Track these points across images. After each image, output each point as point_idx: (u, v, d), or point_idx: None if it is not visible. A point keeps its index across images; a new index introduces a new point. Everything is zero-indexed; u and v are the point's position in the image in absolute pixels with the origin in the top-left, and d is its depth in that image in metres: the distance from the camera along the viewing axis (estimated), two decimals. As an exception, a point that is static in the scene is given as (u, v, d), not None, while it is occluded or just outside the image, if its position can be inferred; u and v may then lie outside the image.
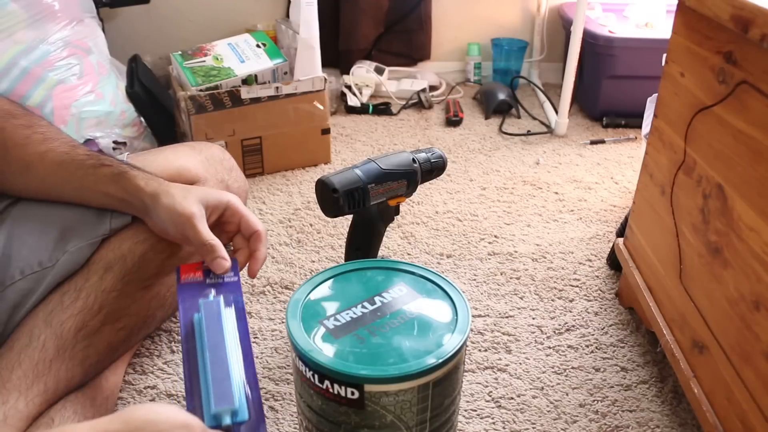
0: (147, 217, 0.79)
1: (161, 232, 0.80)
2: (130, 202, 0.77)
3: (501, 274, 1.17)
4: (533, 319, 1.06)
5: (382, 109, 1.90)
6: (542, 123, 1.85)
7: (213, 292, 0.69)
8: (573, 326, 1.04)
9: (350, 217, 0.94)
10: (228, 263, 0.72)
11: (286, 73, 1.52)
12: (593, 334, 1.02)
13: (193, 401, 0.58)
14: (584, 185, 1.50)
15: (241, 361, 0.61)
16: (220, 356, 0.60)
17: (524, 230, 1.32)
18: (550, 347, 1.00)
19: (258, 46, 1.54)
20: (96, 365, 0.81)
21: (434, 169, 0.96)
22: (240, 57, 1.50)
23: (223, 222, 0.79)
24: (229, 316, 0.66)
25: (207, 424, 0.54)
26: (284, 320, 1.04)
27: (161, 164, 0.92)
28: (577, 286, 1.14)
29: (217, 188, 0.96)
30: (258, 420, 0.57)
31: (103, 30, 1.58)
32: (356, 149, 1.68)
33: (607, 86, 1.79)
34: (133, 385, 0.91)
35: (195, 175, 0.93)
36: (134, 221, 0.83)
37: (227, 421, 0.55)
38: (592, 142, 1.73)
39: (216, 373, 0.58)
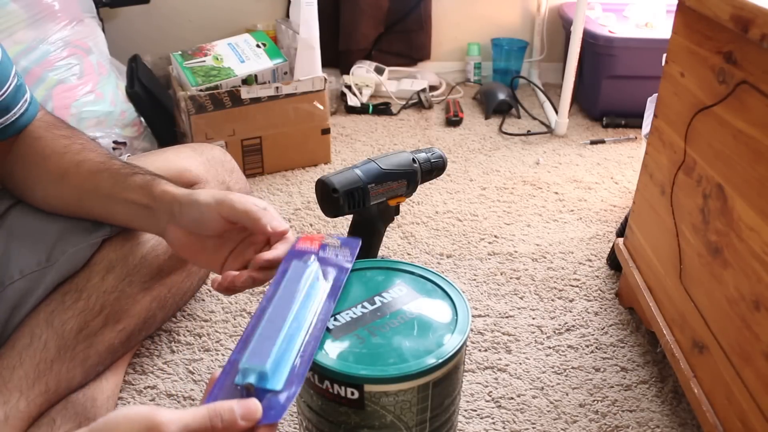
0: (171, 223, 0.70)
1: (186, 237, 0.70)
2: (154, 209, 0.72)
3: (501, 274, 1.17)
4: (533, 319, 1.06)
5: (382, 109, 1.90)
6: (542, 123, 1.85)
7: (314, 260, 0.64)
8: (573, 326, 1.04)
9: (350, 217, 0.94)
10: (284, 224, 0.66)
11: (286, 73, 1.52)
12: (593, 334, 1.03)
13: (239, 354, 0.54)
14: (584, 185, 1.50)
15: (306, 333, 0.57)
16: (281, 315, 0.56)
17: (524, 230, 1.32)
18: (550, 347, 1.00)
19: (258, 46, 1.54)
20: (96, 366, 0.81)
21: (434, 169, 0.96)
22: (240, 57, 1.51)
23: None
24: (317, 287, 0.61)
25: (236, 380, 0.51)
26: (284, 320, 1.04)
27: (162, 165, 0.92)
28: (577, 286, 1.14)
29: (218, 189, 0.95)
30: (289, 393, 0.51)
31: (103, 30, 1.58)
32: (356, 149, 1.68)
33: (607, 86, 1.79)
34: (133, 385, 0.91)
35: (196, 177, 0.93)
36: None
37: (251, 379, 0.51)
38: (592, 142, 1.73)
39: (266, 329, 0.55)
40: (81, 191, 0.76)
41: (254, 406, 0.48)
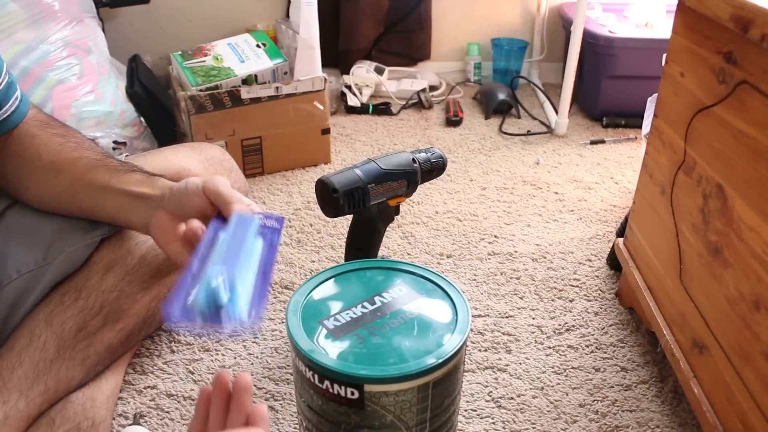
0: (159, 210, 0.71)
1: (167, 221, 0.70)
2: (149, 197, 0.72)
3: (501, 274, 1.17)
4: (533, 319, 1.06)
5: (382, 109, 1.90)
6: (542, 123, 1.85)
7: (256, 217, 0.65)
8: (573, 326, 1.04)
9: (350, 217, 0.94)
10: (253, 206, 0.67)
11: (286, 73, 1.52)
12: (593, 334, 1.02)
13: (197, 268, 0.56)
14: (584, 185, 1.50)
15: (255, 270, 0.58)
16: (236, 250, 0.57)
17: (524, 230, 1.32)
18: (550, 347, 1.00)
19: (258, 46, 1.54)
20: (96, 365, 0.81)
21: (434, 169, 0.96)
22: (240, 57, 1.51)
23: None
24: (258, 241, 0.62)
25: (203, 279, 0.53)
26: (284, 320, 1.04)
27: (161, 165, 0.92)
28: (577, 286, 1.14)
29: None
30: (254, 298, 0.54)
31: (103, 30, 1.58)
32: (356, 149, 1.68)
33: (607, 86, 1.79)
34: (133, 385, 0.91)
35: (195, 175, 0.93)
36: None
37: (218, 280, 0.53)
38: (592, 142, 1.73)
39: (227, 256, 0.56)
40: (75, 186, 0.76)
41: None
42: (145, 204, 0.72)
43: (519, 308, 1.08)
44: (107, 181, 0.74)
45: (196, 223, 0.63)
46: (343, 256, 1.03)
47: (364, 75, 1.98)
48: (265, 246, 0.62)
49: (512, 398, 0.90)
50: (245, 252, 0.58)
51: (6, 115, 0.76)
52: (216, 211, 0.66)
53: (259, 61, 1.50)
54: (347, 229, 0.96)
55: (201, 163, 0.96)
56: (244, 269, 0.56)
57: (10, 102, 0.76)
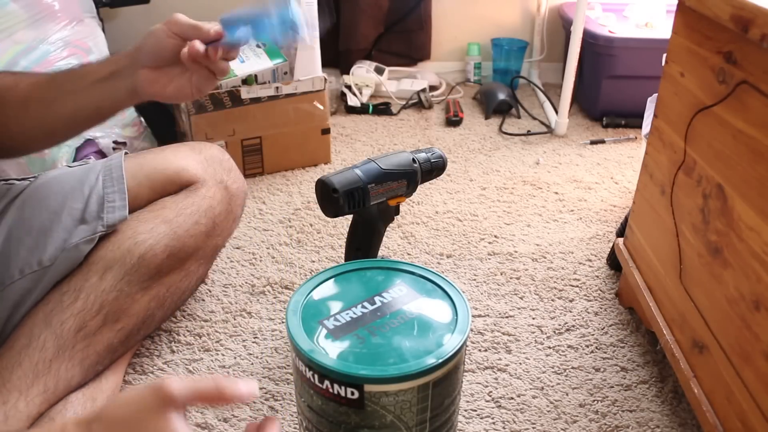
0: (138, 71, 0.74)
1: (152, 74, 0.74)
2: (119, 71, 0.74)
3: (501, 274, 1.17)
4: (533, 319, 1.06)
5: (382, 109, 1.90)
6: (542, 123, 1.85)
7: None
8: (573, 326, 1.04)
9: (350, 217, 0.94)
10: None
11: (286, 73, 1.52)
12: (593, 334, 1.02)
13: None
14: (584, 185, 1.50)
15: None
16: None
17: (524, 230, 1.32)
18: (550, 347, 1.00)
19: (258, 46, 1.54)
20: (95, 365, 0.81)
21: (434, 169, 0.96)
22: (240, 57, 1.50)
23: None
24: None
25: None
26: (284, 320, 1.04)
27: (161, 164, 0.92)
28: (577, 286, 1.14)
29: (216, 188, 0.95)
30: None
31: (103, 30, 1.58)
32: (356, 149, 1.68)
33: (607, 86, 1.79)
34: (133, 385, 0.91)
35: (194, 175, 0.93)
36: (130, 217, 0.83)
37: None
38: (592, 142, 1.73)
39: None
40: (46, 102, 0.76)
41: (252, 388, 0.50)
42: (120, 78, 0.74)
43: (519, 308, 1.08)
44: (73, 83, 0.76)
45: (196, 44, 0.70)
46: (343, 256, 1.03)
47: (364, 75, 1.98)
48: None
49: (512, 398, 0.90)
50: None
51: None
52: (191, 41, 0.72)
53: (259, 61, 1.50)
54: (347, 229, 0.96)
55: (200, 162, 0.96)
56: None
57: None
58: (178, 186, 0.92)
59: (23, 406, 0.72)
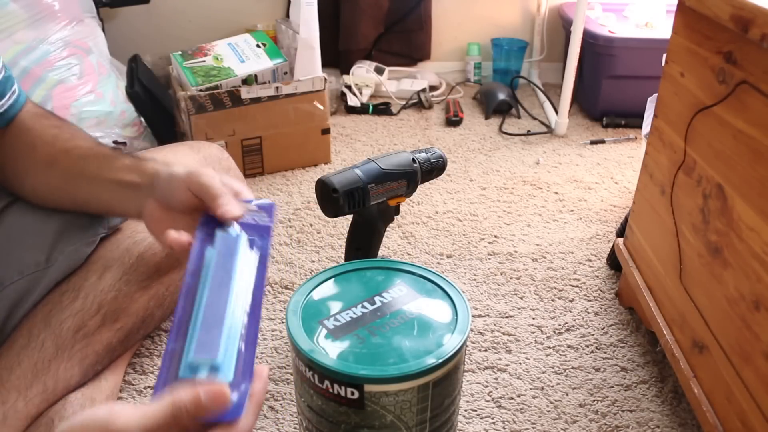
0: (149, 199, 0.69)
1: (159, 212, 0.68)
2: (140, 186, 0.70)
3: (501, 274, 1.17)
4: (533, 319, 1.06)
5: (382, 109, 1.90)
6: (542, 123, 1.85)
7: (237, 228, 0.59)
8: (573, 326, 1.04)
9: (350, 217, 0.94)
10: (238, 210, 0.61)
11: (286, 73, 1.52)
12: (593, 334, 1.02)
13: (176, 343, 0.49)
14: (584, 185, 1.50)
15: (246, 311, 0.52)
16: (220, 299, 0.50)
17: (524, 230, 1.32)
18: (550, 347, 1.00)
19: (258, 46, 1.54)
20: (94, 365, 0.81)
21: (434, 169, 0.96)
22: (240, 57, 1.51)
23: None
24: (247, 259, 0.56)
25: (181, 374, 0.46)
26: (284, 320, 1.04)
27: None
28: (577, 286, 1.14)
29: None
30: (241, 379, 0.47)
31: (103, 30, 1.58)
32: (356, 149, 1.68)
33: (607, 86, 1.79)
34: (133, 384, 0.91)
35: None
36: (131, 220, 0.83)
37: (203, 374, 0.46)
38: (592, 142, 1.73)
39: (208, 317, 0.49)
40: (68, 176, 0.76)
41: (222, 389, 0.43)
42: (135, 193, 0.71)
43: (519, 308, 1.08)
44: (98, 170, 0.74)
45: (184, 237, 0.59)
46: (343, 256, 1.03)
47: (364, 75, 1.98)
48: (256, 268, 0.56)
49: (512, 398, 0.90)
50: (230, 302, 0.51)
51: (3, 109, 0.76)
52: (203, 206, 0.63)
53: (259, 61, 1.50)
54: (347, 229, 0.96)
55: (199, 162, 0.96)
56: (226, 340, 0.49)
57: (7, 96, 0.76)
58: None
59: (22, 405, 0.72)
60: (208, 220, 0.60)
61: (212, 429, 0.43)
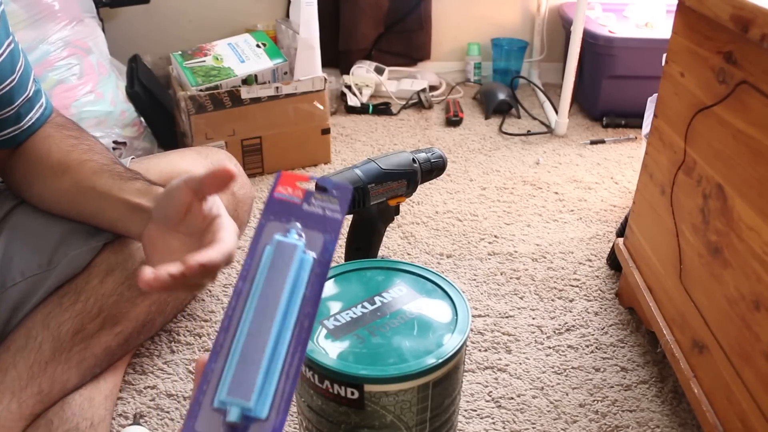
0: (150, 223, 0.70)
1: (156, 232, 0.68)
2: (145, 209, 0.70)
3: (501, 274, 1.17)
4: (533, 319, 1.06)
5: (382, 109, 1.90)
6: (542, 123, 1.85)
7: (297, 229, 0.51)
8: (573, 326, 1.04)
9: (350, 217, 0.94)
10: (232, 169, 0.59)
11: (286, 73, 1.52)
12: (593, 334, 1.02)
13: (216, 363, 0.46)
14: (584, 185, 1.50)
15: (290, 339, 0.47)
16: (263, 327, 0.46)
17: (524, 230, 1.32)
18: (550, 347, 1.00)
19: (258, 46, 1.54)
20: (93, 368, 0.81)
21: (434, 169, 0.96)
22: (240, 57, 1.51)
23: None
24: (303, 271, 0.49)
25: (215, 404, 0.45)
26: (284, 320, 1.04)
27: (166, 169, 0.92)
28: (577, 286, 1.14)
29: (222, 194, 0.94)
30: (275, 416, 0.45)
31: (103, 30, 1.58)
32: (356, 149, 1.68)
33: (607, 86, 1.79)
34: (132, 385, 0.91)
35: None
36: None
37: (233, 417, 0.44)
38: (592, 142, 1.73)
39: (248, 349, 0.46)
40: (77, 188, 0.75)
41: None
42: (141, 216, 0.71)
43: (519, 308, 1.08)
44: (109, 187, 0.74)
45: (160, 274, 0.54)
46: (343, 256, 1.03)
47: (364, 75, 1.98)
48: (315, 275, 0.49)
49: (512, 398, 0.90)
50: (273, 332, 0.47)
51: (30, 123, 0.77)
52: (201, 199, 0.63)
53: (259, 61, 1.50)
54: (347, 229, 0.96)
55: (207, 167, 0.95)
56: (263, 377, 0.46)
57: (35, 110, 0.77)
58: None
59: (16, 407, 0.72)
60: (274, 204, 0.53)
61: None
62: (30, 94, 0.75)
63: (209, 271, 0.56)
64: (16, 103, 0.74)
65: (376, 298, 0.69)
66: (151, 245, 0.68)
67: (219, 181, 0.61)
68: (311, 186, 0.55)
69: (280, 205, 0.52)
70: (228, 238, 0.60)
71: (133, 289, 0.82)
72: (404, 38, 2.11)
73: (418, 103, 1.95)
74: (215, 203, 0.64)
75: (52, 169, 0.76)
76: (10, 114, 0.74)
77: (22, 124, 0.76)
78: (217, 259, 0.56)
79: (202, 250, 0.57)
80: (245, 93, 1.44)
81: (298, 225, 0.51)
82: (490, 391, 0.91)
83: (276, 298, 0.47)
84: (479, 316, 1.06)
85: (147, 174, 0.88)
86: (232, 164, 1.02)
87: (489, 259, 1.22)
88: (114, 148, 1.36)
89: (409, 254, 1.23)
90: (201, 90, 1.42)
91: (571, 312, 1.08)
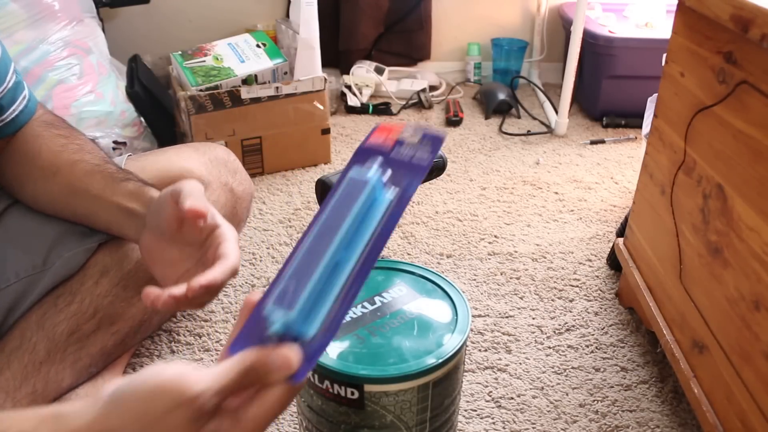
0: (145, 229, 0.70)
1: (151, 241, 0.69)
2: (138, 215, 0.71)
3: (501, 274, 1.17)
4: (533, 319, 1.06)
5: (382, 109, 1.90)
6: (542, 123, 1.85)
7: (378, 166, 0.52)
8: (573, 326, 1.04)
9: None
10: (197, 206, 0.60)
11: (286, 73, 1.52)
12: (593, 334, 1.03)
13: (274, 286, 0.46)
14: (584, 185, 1.50)
15: (351, 269, 0.46)
16: (320, 247, 0.46)
17: (524, 230, 1.32)
18: (550, 347, 1.00)
19: (258, 46, 1.54)
20: (88, 368, 0.81)
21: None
22: (240, 57, 1.51)
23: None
24: (374, 209, 0.49)
25: (264, 312, 0.45)
26: (284, 320, 1.04)
27: (164, 165, 0.92)
28: (577, 286, 1.14)
29: (221, 191, 0.94)
30: (322, 342, 0.44)
31: (103, 30, 1.58)
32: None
33: (607, 86, 1.79)
34: (133, 385, 0.91)
35: (198, 177, 0.93)
36: None
37: (277, 326, 0.44)
38: (592, 142, 1.73)
39: (302, 265, 0.46)
40: (70, 190, 0.75)
41: (288, 356, 0.42)
42: (134, 221, 0.71)
43: (519, 308, 1.08)
44: (102, 190, 0.73)
45: (162, 297, 0.55)
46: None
47: (364, 75, 1.98)
48: (385, 217, 0.48)
49: (512, 398, 0.90)
50: (329, 253, 0.46)
51: (13, 115, 0.75)
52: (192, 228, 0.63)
53: (259, 61, 1.50)
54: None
55: (205, 164, 0.95)
56: (312, 294, 0.45)
57: (18, 101, 0.75)
58: None
59: (10, 407, 0.72)
60: (364, 151, 0.53)
61: (273, 388, 0.42)
62: (9, 85, 0.74)
63: (213, 290, 0.57)
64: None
65: (376, 298, 0.69)
66: (150, 256, 0.68)
67: (191, 219, 0.62)
68: (404, 134, 0.54)
69: (368, 153, 0.53)
70: (231, 252, 0.61)
71: (129, 290, 0.82)
72: (404, 38, 2.11)
73: (418, 103, 1.95)
74: (211, 212, 0.64)
75: (43, 170, 0.75)
76: None
77: (4, 116, 0.74)
78: (220, 279, 0.57)
79: (206, 271, 0.57)
80: (245, 93, 1.44)
81: (380, 159, 0.51)
82: (490, 391, 0.91)
83: (337, 225, 0.47)
84: (479, 316, 1.06)
85: (144, 172, 0.88)
86: (231, 159, 1.01)
87: (489, 259, 1.22)
88: (114, 148, 1.36)
89: (409, 254, 1.23)
90: (201, 90, 1.42)
91: (571, 312, 1.08)
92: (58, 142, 0.77)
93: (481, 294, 1.12)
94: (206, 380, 0.39)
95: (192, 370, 0.40)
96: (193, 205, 0.60)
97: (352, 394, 0.60)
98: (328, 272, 0.46)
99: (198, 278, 0.56)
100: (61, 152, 0.76)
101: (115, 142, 1.37)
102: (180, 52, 1.52)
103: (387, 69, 2.02)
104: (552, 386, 0.92)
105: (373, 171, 0.51)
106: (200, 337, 1.00)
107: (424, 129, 0.53)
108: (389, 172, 0.51)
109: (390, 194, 0.50)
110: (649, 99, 1.27)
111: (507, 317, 1.06)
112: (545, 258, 1.22)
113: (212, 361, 0.96)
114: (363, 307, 0.68)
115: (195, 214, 0.60)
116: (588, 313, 1.08)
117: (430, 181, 0.99)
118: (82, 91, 1.35)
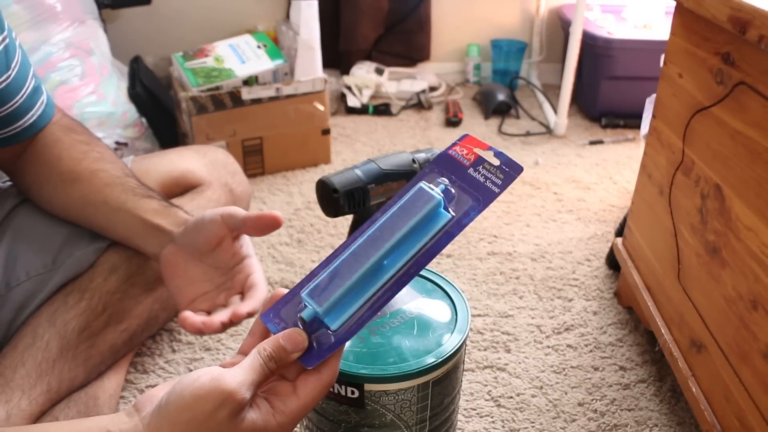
0: (171, 244, 0.72)
1: (176, 254, 0.71)
2: (168, 232, 0.72)
3: (500, 274, 1.17)
4: (532, 318, 1.06)
5: (382, 109, 1.90)
6: (541, 123, 1.85)
7: (447, 185, 0.52)
8: (572, 326, 1.05)
9: (350, 217, 0.95)
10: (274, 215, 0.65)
11: (286, 73, 1.53)
12: (592, 334, 1.03)
13: (318, 270, 0.50)
14: (583, 185, 1.51)
15: (390, 276, 0.48)
16: (366, 253, 0.48)
17: (523, 230, 1.32)
18: (549, 346, 1.00)
19: (259, 47, 1.54)
20: (99, 365, 0.82)
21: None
22: (241, 58, 1.51)
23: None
24: (434, 223, 0.50)
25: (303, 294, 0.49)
26: (285, 320, 1.04)
27: (165, 167, 0.93)
28: (576, 286, 1.14)
29: (221, 191, 0.96)
30: (342, 337, 0.47)
31: (105, 31, 1.59)
32: (356, 150, 1.68)
33: (605, 87, 1.80)
34: (134, 384, 0.91)
35: (199, 178, 0.94)
36: None
37: (305, 314, 0.47)
38: (591, 143, 1.73)
39: (344, 265, 0.48)
40: (88, 200, 0.76)
41: (296, 333, 0.47)
42: (159, 236, 0.72)
43: (518, 308, 1.09)
44: (123, 203, 0.74)
45: (201, 319, 0.64)
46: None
47: (364, 76, 1.98)
48: (437, 236, 0.49)
49: (511, 397, 0.90)
50: (372, 261, 0.48)
51: (32, 120, 0.75)
52: (236, 237, 0.69)
53: (259, 62, 1.50)
54: (347, 229, 0.96)
55: (205, 166, 0.96)
56: (345, 296, 0.48)
57: (36, 106, 0.76)
58: (183, 188, 0.93)
59: (26, 404, 0.73)
60: (443, 159, 0.53)
61: (301, 376, 0.48)
62: (29, 90, 0.74)
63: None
64: (14, 100, 0.73)
65: (377, 298, 0.70)
66: (170, 269, 0.71)
67: (264, 226, 0.67)
68: (486, 155, 0.54)
69: (449, 162, 0.53)
70: (262, 283, 0.68)
71: (137, 287, 0.83)
72: (404, 39, 2.11)
73: (418, 103, 1.95)
74: (246, 242, 0.69)
75: (62, 176, 0.76)
76: (9, 111, 0.73)
77: (23, 121, 0.75)
78: (257, 309, 0.65)
79: (246, 302, 0.65)
80: (246, 94, 1.44)
81: (447, 181, 0.52)
82: (490, 390, 0.92)
83: (392, 231, 0.49)
84: (479, 315, 1.07)
85: (148, 174, 0.88)
86: (230, 162, 1.03)
87: (488, 258, 1.22)
88: (115, 149, 1.36)
89: (409, 254, 1.24)
90: (202, 91, 1.42)
91: (570, 311, 1.08)
92: (78, 149, 0.77)
93: (481, 293, 1.12)
94: (239, 376, 0.45)
95: (224, 370, 0.45)
96: (269, 212, 0.66)
97: (353, 393, 0.61)
98: (369, 275, 0.48)
99: (242, 307, 0.64)
100: (81, 160, 0.76)
101: (116, 142, 1.37)
102: (181, 53, 1.52)
103: (387, 70, 2.03)
104: (551, 385, 0.93)
105: (442, 186, 0.52)
106: (201, 336, 1.01)
107: (506, 156, 0.53)
108: (458, 189, 0.52)
109: (451, 213, 0.50)
110: (648, 100, 1.28)
111: (506, 317, 1.06)
112: (544, 258, 1.23)
113: (213, 360, 0.96)
114: (363, 306, 0.68)
115: (272, 218, 0.66)
116: (587, 312, 1.08)
117: (430, 182, 0.99)
118: (84, 92, 1.35)
